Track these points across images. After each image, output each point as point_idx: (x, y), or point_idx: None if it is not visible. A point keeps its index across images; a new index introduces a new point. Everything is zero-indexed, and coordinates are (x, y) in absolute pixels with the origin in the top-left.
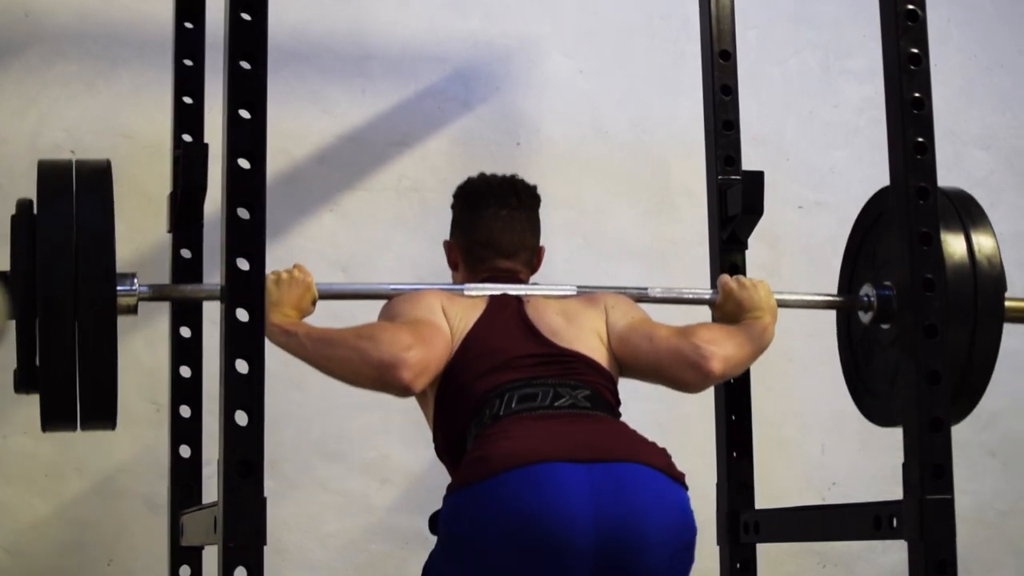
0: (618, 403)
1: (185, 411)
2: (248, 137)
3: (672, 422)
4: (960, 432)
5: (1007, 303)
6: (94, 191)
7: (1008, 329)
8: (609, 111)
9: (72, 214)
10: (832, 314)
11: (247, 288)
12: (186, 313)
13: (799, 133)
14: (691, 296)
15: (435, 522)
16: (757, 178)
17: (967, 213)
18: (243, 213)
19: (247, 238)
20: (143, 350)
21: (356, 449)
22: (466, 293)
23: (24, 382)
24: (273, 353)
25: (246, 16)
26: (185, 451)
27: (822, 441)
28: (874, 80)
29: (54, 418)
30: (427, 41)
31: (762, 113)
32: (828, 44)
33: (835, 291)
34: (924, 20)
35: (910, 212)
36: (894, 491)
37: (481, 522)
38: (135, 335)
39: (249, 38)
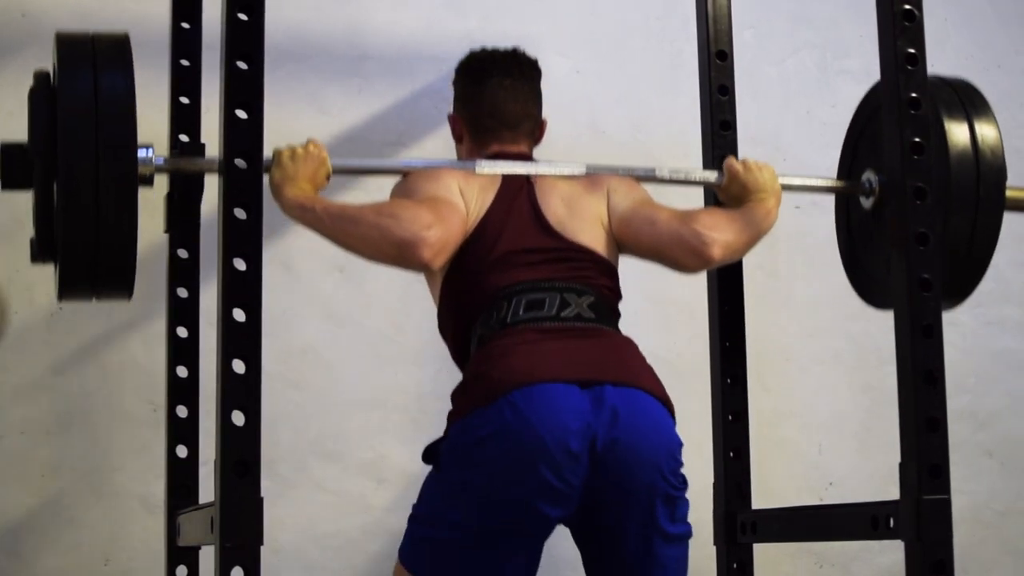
0: (619, 298)
1: (182, 411)
2: (245, 137)
3: None
4: (957, 432)
5: (1008, 192)
6: (114, 60)
7: (1005, 329)
8: (606, 111)
9: (92, 83)
10: (829, 313)
11: (244, 288)
12: (183, 313)
13: (796, 133)
14: (698, 178)
15: (432, 451)
16: None
17: (970, 103)
18: (240, 213)
19: (244, 238)
20: (140, 350)
21: (353, 449)
22: (478, 171)
23: (42, 252)
24: (269, 353)
25: (243, 16)
26: (182, 451)
27: (819, 441)
28: (871, 80)
29: (71, 287)
30: (424, 41)
31: (759, 113)
32: (825, 44)
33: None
34: (921, 20)
35: (907, 214)
36: (891, 491)
37: (486, 441)
38: (131, 334)
39: (246, 38)
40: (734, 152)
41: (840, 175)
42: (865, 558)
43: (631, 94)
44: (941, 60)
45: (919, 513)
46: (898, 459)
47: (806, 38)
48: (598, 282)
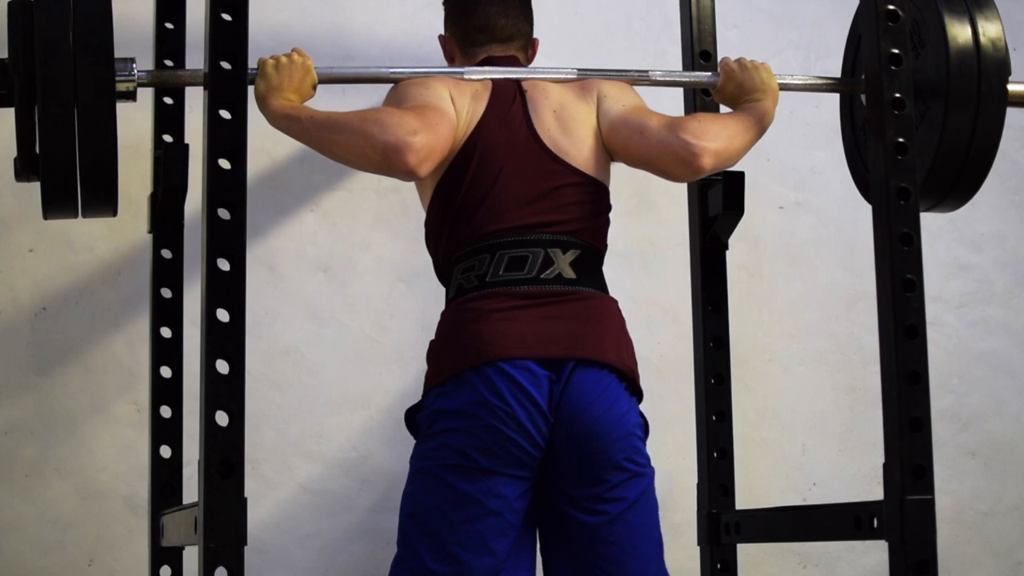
0: (606, 223)
1: (166, 411)
2: (229, 137)
3: (653, 422)
4: (941, 433)
5: (1011, 87)
6: None
7: (989, 330)
8: None
9: (69, 2)
10: (812, 314)
11: (228, 288)
12: (167, 313)
13: (780, 133)
14: (692, 79)
15: (411, 421)
16: (738, 178)
17: None
18: (224, 214)
19: (228, 239)
20: (123, 350)
21: (336, 450)
22: (467, 76)
23: (25, 169)
24: (253, 353)
25: (227, 17)
26: (166, 451)
27: (803, 441)
28: None
29: (56, 204)
30: (408, 42)
31: None
32: (809, 44)
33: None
34: (905, 20)
35: (891, 215)
36: (875, 491)
37: (456, 410)
38: (116, 335)
39: (230, 39)
40: None
41: (843, 73)
42: (849, 558)
43: None
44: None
45: (903, 513)
46: (881, 459)
47: (789, 39)
48: (586, 222)
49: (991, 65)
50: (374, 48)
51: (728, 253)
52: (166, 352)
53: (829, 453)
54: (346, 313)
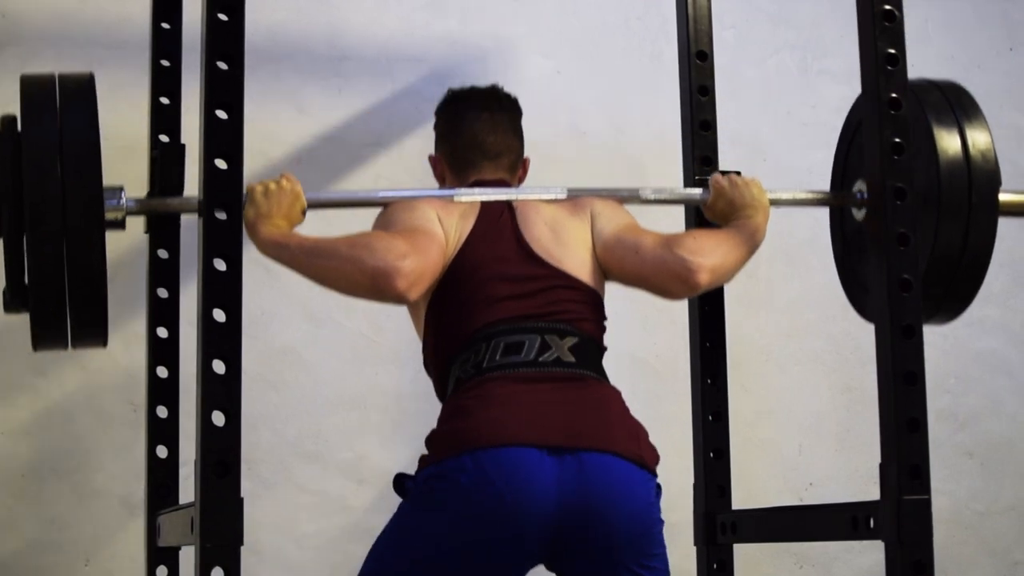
0: (604, 329)
1: (162, 411)
2: (225, 138)
3: (649, 422)
4: (937, 433)
5: (1002, 196)
6: (78, 104)
7: (985, 330)
8: (586, 112)
9: (57, 128)
10: (809, 314)
11: (224, 288)
12: (163, 313)
13: (776, 133)
14: (683, 196)
15: (402, 483)
16: None
17: (960, 106)
18: (220, 214)
19: (224, 239)
20: (120, 350)
21: (333, 450)
22: (457, 199)
23: (14, 301)
24: (249, 354)
25: (223, 17)
26: (162, 451)
27: (799, 441)
28: (852, 81)
29: (45, 336)
30: (404, 42)
31: (739, 114)
32: (806, 44)
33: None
34: (901, 21)
35: (887, 214)
36: (871, 491)
37: (449, 495)
38: (112, 335)
39: (226, 39)
40: (714, 152)
41: (832, 187)
42: (845, 559)
43: (611, 95)
44: (922, 61)
45: (899, 513)
46: (878, 459)
47: (786, 39)
48: (583, 318)
49: (982, 177)
50: (370, 49)
51: None
52: (163, 352)
53: (826, 453)
54: (343, 313)
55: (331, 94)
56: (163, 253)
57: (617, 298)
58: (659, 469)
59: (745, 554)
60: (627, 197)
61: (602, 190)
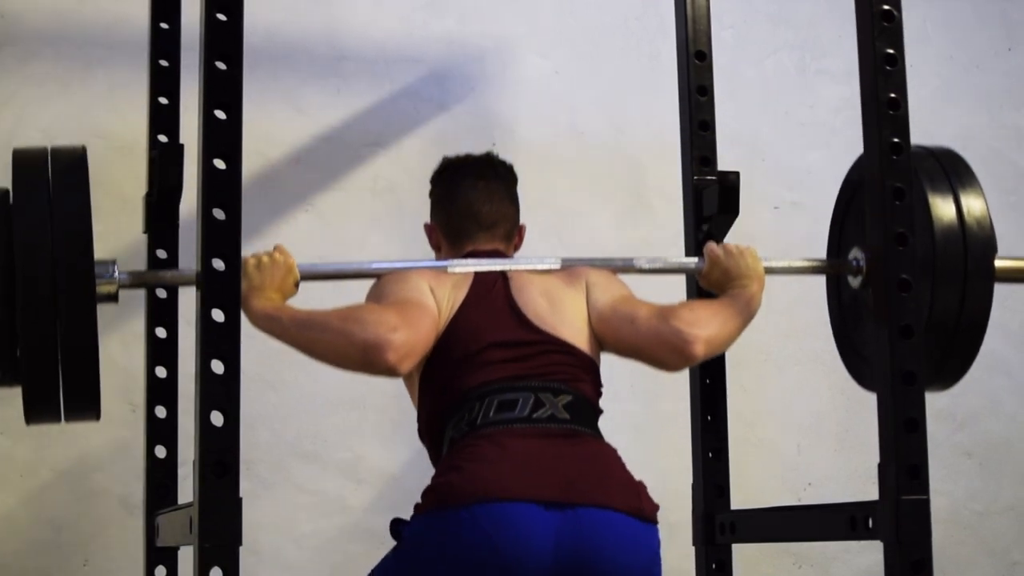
0: (600, 394)
1: (161, 411)
2: (224, 138)
3: (648, 423)
4: (936, 433)
5: (998, 263)
6: (70, 179)
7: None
8: (585, 112)
9: (48, 203)
10: (808, 314)
11: (223, 288)
12: (162, 313)
13: (775, 133)
14: (677, 266)
15: (397, 528)
16: (733, 179)
17: (955, 173)
18: (219, 214)
19: (223, 239)
20: (119, 350)
21: (331, 450)
22: (450, 270)
23: (5, 375)
24: (248, 354)
25: (221, 17)
26: (161, 451)
27: (798, 441)
28: (850, 81)
29: (38, 411)
30: (402, 42)
31: (738, 114)
32: (804, 44)
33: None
34: (900, 21)
35: (885, 212)
36: (870, 491)
37: (442, 549)
38: (111, 335)
39: (225, 39)
40: (712, 152)
41: (829, 255)
42: (844, 559)
43: (609, 95)
44: (921, 61)
45: (898, 513)
46: (877, 460)
47: (785, 39)
48: (575, 376)
49: (977, 245)
50: (368, 49)
51: None
52: (161, 352)
53: (824, 453)
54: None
55: (329, 94)
56: (162, 253)
57: None
58: (658, 469)
59: (744, 554)
60: (622, 267)
61: (596, 260)
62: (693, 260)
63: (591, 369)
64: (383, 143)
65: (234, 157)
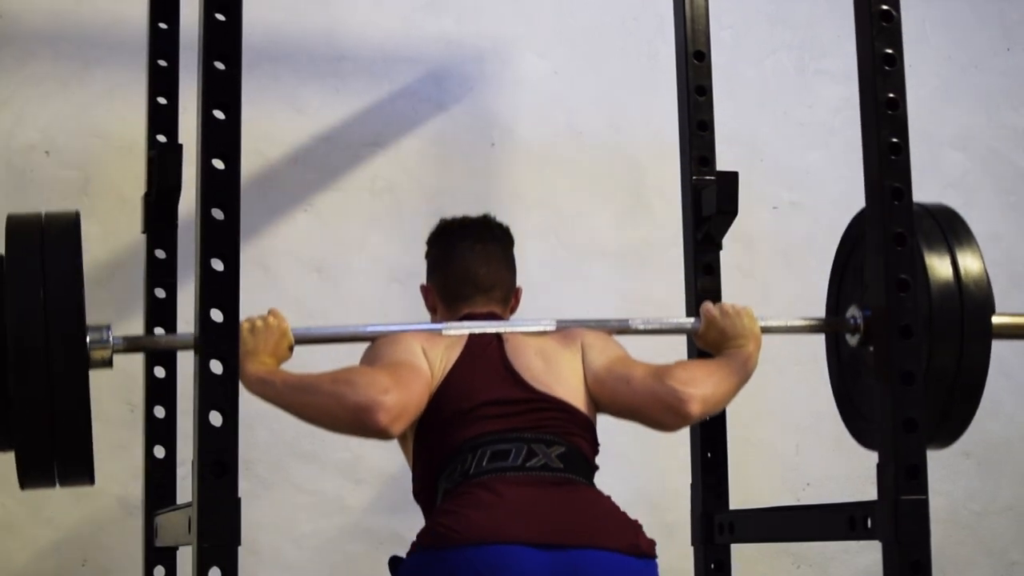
0: (596, 452)
1: (159, 411)
2: (222, 138)
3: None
4: None
5: (995, 320)
6: (63, 245)
7: None
8: (583, 112)
9: (41, 269)
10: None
11: (222, 288)
12: (161, 313)
13: (774, 133)
14: (674, 326)
15: (395, 566)
16: (732, 178)
17: (952, 232)
18: (217, 214)
19: (221, 239)
20: None
21: (330, 450)
22: (445, 333)
23: None
24: None
25: (220, 16)
26: (159, 451)
27: (796, 441)
28: (849, 81)
29: (32, 477)
30: (401, 42)
31: (737, 114)
32: (803, 44)
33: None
34: (899, 21)
35: (884, 213)
36: (869, 491)
37: None
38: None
39: (224, 39)
40: (711, 152)
41: (828, 311)
42: (843, 559)
43: (608, 95)
44: (920, 61)
45: (897, 513)
46: (875, 460)
47: (784, 39)
48: (569, 430)
49: (974, 305)
50: (367, 49)
51: (722, 253)
52: (160, 352)
53: (823, 453)
54: (340, 313)
55: (328, 94)
56: (160, 253)
57: (615, 299)
58: (657, 469)
59: (743, 554)
60: (618, 328)
61: (591, 322)
62: (689, 320)
63: (586, 427)
64: (382, 143)
65: (233, 157)
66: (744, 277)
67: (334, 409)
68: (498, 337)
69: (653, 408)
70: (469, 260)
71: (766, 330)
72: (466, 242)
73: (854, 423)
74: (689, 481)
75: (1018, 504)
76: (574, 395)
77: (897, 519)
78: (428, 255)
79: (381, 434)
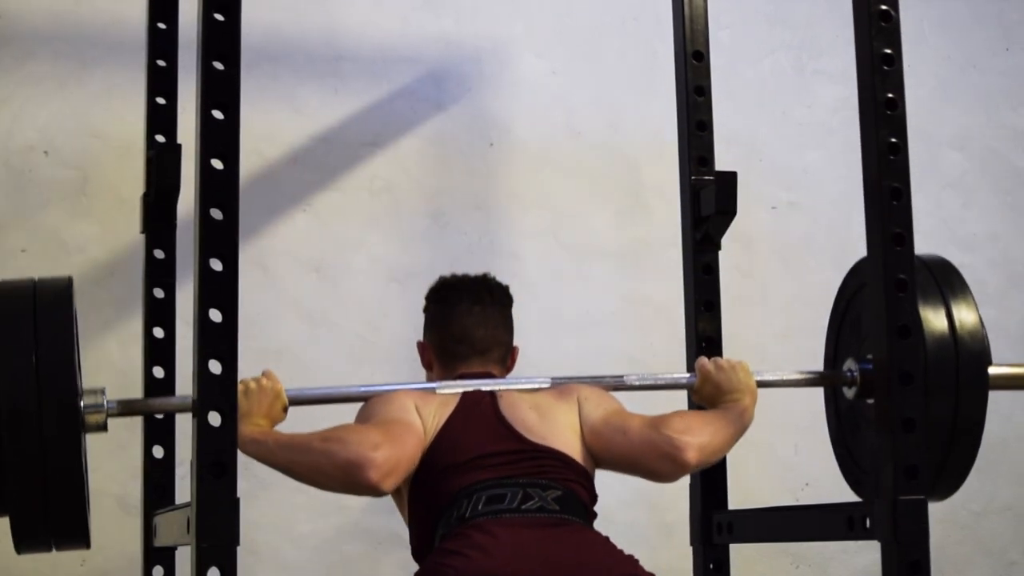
0: (594, 500)
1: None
2: (221, 138)
3: None
4: None
5: (992, 371)
6: (55, 312)
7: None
8: (582, 112)
9: (33, 335)
10: (804, 313)
11: (220, 288)
12: (159, 313)
13: (772, 134)
14: (669, 382)
15: None
16: (730, 178)
17: (947, 284)
18: (216, 214)
19: (220, 239)
20: (116, 350)
21: None
22: (439, 391)
23: None
24: (246, 354)
25: (219, 16)
26: (158, 451)
27: (795, 442)
28: (848, 81)
29: (27, 543)
30: (400, 42)
31: (735, 114)
32: (802, 45)
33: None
34: (897, 21)
35: (883, 213)
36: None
37: None
38: (108, 335)
39: (222, 39)
40: (710, 153)
41: (825, 365)
42: (841, 559)
43: (607, 95)
44: (918, 61)
45: (895, 513)
46: None
47: (782, 39)
48: (566, 476)
49: (970, 357)
50: (366, 49)
51: (721, 253)
52: (159, 352)
53: (822, 453)
54: (339, 313)
55: (327, 94)
56: (159, 253)
57: (614, 298)
58: None
59: (741, 554)
60: (613, 385)
61: (585, 378)
62: (685, 376)
63: (583, 475)
64: (381, 143)
65: (232, 157)
66: (743, 277)
67: (325, 467)
68: (492, 394)
69: (650, 457)
70: (467, 321)
71: (761, 384)
72: (465, 303)
73: (852, 475)
74: (688, 481)
75: (1017, 504)
76: (570, 447)
77: (896, 519)
78: (426, 311)
79: (372, 490)
